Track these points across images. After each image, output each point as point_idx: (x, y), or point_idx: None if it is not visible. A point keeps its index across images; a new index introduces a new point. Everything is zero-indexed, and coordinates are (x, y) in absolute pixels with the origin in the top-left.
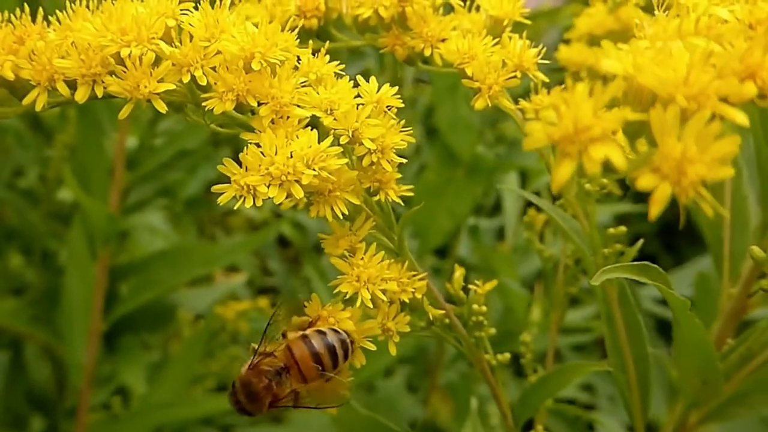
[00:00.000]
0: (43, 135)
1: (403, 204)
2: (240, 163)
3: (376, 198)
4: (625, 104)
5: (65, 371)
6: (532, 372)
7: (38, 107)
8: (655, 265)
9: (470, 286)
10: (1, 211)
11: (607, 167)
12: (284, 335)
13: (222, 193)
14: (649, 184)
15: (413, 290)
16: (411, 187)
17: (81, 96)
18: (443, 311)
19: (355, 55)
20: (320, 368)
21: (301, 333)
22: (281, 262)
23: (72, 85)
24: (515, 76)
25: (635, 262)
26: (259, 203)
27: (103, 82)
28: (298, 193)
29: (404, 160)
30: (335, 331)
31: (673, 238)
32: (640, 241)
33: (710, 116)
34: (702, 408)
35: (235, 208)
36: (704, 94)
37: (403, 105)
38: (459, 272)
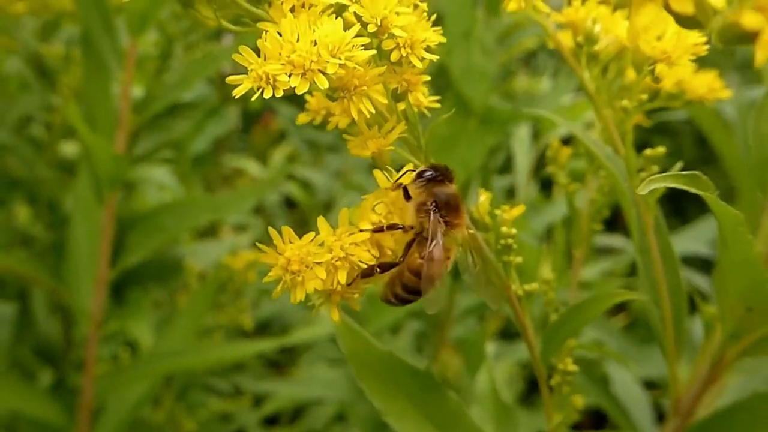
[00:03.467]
0: (47, 80)
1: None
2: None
3: (402, 107)
4: None
5: (73, 322)
6: (554, 311)
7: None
8: (705, 177)
9: (497, 211)
10: (5, 160)
11: (689, 20)
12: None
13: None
14: (754, 24)
15: None
16: (438, 98)
17: None
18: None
19: None
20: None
21: None
22: (288, 223)
23: None
24: None
25: (683, 172)
26: (279, 94)
27: None
28: (323, 83)
29: (435, 57)
30: None
31: (682, 202)
32: (680, 163)
33: None
34: (743, 340)
35: (253, 99)
36: None
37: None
38: (485, 196)
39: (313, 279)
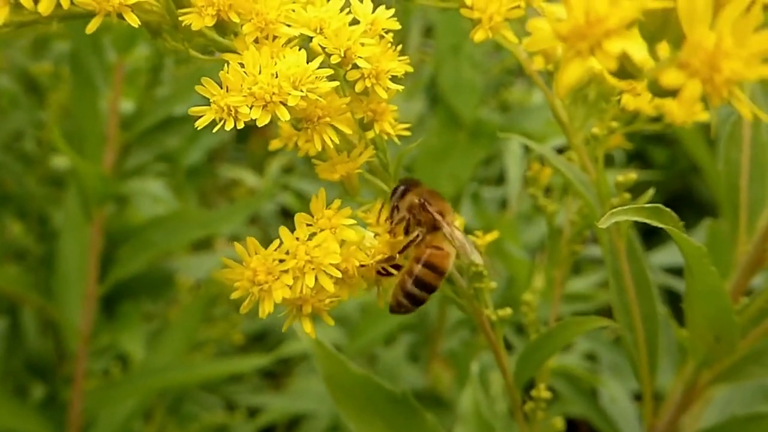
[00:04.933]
0: (37, 97)
1: (398, 143)
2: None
3: (371, 135)
4: None
5: (63, 337)
6: (535, 333)
7: None
8: (668, 209)
9: (469, 236)
10: None
11: (621, 72)
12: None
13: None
14: (675, 82)
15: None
16: (408, 125)
17: (45, 8)
18: None
19: None
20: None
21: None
22: None
23: None
24: (518, 7)
25: (646, 205)
26: (240, 125)
27: None
28: (284, 115)
29: (401, 88)
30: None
31: (677, 208)
32: (651, 191)
33: (749, 1)
34: (714, 367)
35: (214, 131)
36: None
37: (410, 70)
38: (458, 222)
39: (281, 287)
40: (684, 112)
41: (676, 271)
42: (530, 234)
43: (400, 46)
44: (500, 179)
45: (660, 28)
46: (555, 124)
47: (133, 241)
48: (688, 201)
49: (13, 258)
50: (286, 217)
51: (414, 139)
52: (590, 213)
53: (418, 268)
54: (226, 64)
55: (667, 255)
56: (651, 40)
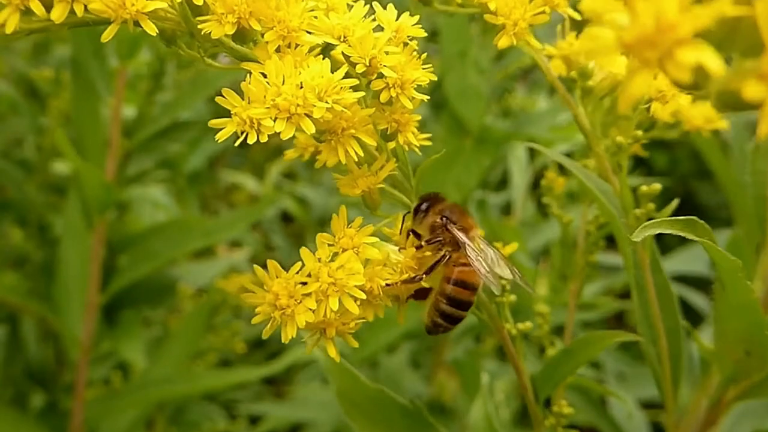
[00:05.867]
0: (38, 102)
1: (420, 154)
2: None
3: (392, 145)
4: None
5: (63, 346)
6: (549, 344)
7: (8, 29)
8: (702, 221)
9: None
10: None
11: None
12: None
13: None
14: (757, 95)
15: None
16: (429, 135)
17: (58, 15)
18: None
19: None
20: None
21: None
22: (284, 237)
23: (49, 4)
24: (544, 12)
25: (680, 217)
26: (264, 139)
27: None
28: (309, 128)
29: (426, 98)
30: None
31: (679, 214)
32: (676, 201)
33: None
34: (741, 382)
35: (236, 144)
36: None
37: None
38: (481, 232)
39: (304, 312)
40: (765, 125)
41: (680, 279)
42: (535, 241)
43: (424, 55)
44: (502, 183)
45: (728, 34)
46: (560, 131)
47: (135, 250)
48: (690, 205)
49: (13, 265)
50: (287, 222)
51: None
52: (610, 222)
53: (449, 288)
54: (248, 75)
55: (673, 263)
56: (718, 47)
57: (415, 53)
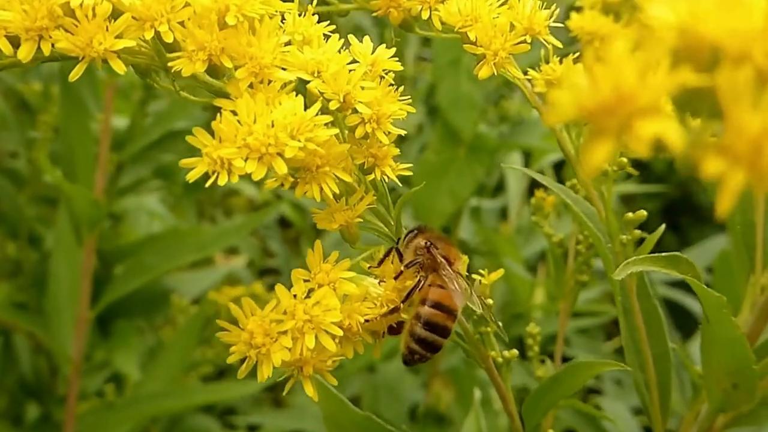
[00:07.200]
0: (28, 116)
1: (401, 185)
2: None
3: (371, 177)
4: (677, 64)
5: (56, 359)
6: (539, 364)
7: None
8: (686, 256)
9: (474, 276)
10: None
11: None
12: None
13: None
14: (717, 170)
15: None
16: (410, 165)
17: (25, 54)
18: None
19: (350, 28)
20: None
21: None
22: (282, 243)
23: (16, 41)
24: (525, 41)
25: (663, 253)
26: (235, 179)
27: (50, 37)
28: (281, 168)
29: (403, 132)
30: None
31: (677, 216)
32: (662, 227)
33: None
34: (730, 411)
35: (207, 185)
36: None
37: (402, 71)
38: (463, 260)
39: (280, 350)
40: (727, 202)
41: (675, 284)
42: (530, 248)
43: (401, 88)
44: (498, 188)
45: (691, 97)
46: (553, 139)
47: (128, 262)
48: (687, 207)
49: (5, 277)
50: (285, 227)
51: (414, 149)
52: (597, 244)
53: (425, 310)
54: (218, 113)
55: None
56: (681, 108)
57: (391, 86)
